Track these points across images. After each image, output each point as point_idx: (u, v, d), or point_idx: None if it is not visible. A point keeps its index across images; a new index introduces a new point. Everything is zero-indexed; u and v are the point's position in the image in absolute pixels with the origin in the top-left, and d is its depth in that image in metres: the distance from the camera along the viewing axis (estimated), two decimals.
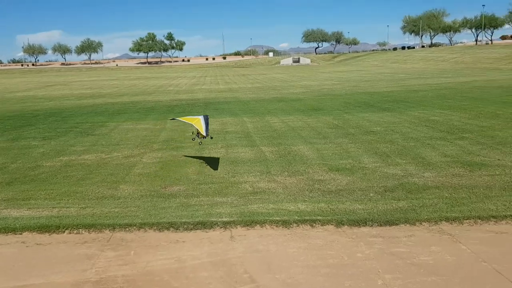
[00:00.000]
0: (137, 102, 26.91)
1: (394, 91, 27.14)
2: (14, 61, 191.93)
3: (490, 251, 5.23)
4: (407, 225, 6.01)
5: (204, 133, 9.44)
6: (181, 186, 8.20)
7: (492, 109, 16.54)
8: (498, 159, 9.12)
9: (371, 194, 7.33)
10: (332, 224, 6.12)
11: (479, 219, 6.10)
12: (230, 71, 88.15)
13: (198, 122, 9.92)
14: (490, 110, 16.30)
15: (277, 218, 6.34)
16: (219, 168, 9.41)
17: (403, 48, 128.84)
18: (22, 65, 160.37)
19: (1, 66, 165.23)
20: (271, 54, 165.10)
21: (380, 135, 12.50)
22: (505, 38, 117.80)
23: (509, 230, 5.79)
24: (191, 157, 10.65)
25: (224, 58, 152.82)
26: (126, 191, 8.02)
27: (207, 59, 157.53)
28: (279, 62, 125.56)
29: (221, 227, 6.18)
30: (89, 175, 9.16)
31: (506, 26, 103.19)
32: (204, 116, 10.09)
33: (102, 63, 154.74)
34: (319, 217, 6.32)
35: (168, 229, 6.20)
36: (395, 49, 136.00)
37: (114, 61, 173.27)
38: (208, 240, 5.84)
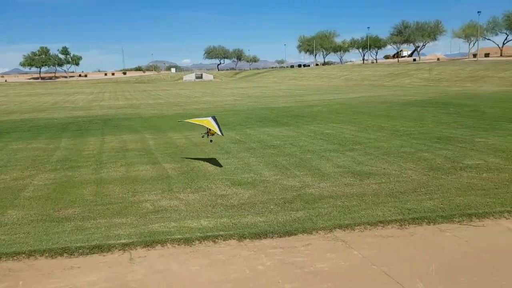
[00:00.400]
0: (28, 120, 24.97)
1: (292, 107, 28.40)
2: None
3: (379, 255, 5.67)
4: (305, 234, 6.30)
5: (219, 133, 10.74)
6: (76, 208, 7.74)
7: (378, 122, 18.04)
8: (384, 168, 9.96)
9: (272, 206, 7.56)
10: (234, 239, 6.20)
11: (369, 224, 6.59)
12: (131, 87, 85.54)
13: (208, 123, 11.09)
14: (376, 123, 17.76)
15: (179, 236, 6.26)
16: (118, 188, 9.06)
17: (300, 66, 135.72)
18: None
19: None
20: (173, 70, 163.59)
21: (280, 148, 12.97)
22: (388, 58, 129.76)
23: (394, 233, 6.33)
24: (87, 177, 10.12)
25: (125, 73, 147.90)
26: (15, 216, 7.37)
27: (106, 74, 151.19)
28: (182, 78, 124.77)
29: (119, 250, 5.94)
30: None
31: (388, 46, 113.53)
32: (212, 117, 11.17)
33: None
34: (221, 233, 6.36)
35: (61, 255, 5.81)
36: (292, 66, 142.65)
37: (2, 77, 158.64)
38: (105, 264, 5.57)
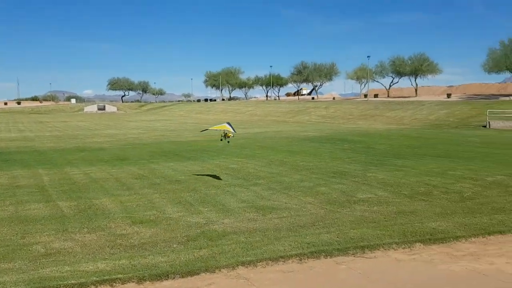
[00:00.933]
0: None
1: (198, 141, 28.42)
2: None
3: None
4: (208, 273, 6.25)
5: (233, 131, 13.40)
6: None
7: (281, 157, 18.75)
8: (285, 203, 10.32)
9: (174, 245, 7.42)
10: (133, 282, 5.95)
11: (270, 260, 6.73)
12: (25, 118, 79.46)
13: (225, 127, 13.61)
14: (279, 158, 18.45)
15: (72, 282, 5.85)
16: (5, 229, 8.28)
17: (206, 100, 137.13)
18: None
19: None
20: (73, 100, 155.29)
21: (185, 184, 12.86)
22: (289, 95, 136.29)
23: (294, 268, 6.54)
24: None
25: (19, 103, 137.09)
26: None
27: None
28: (83, 109, 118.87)
29: None
30: None
31: (289, 84, 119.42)
32: (228, 123, 13.86)
33: None
34: (119, 275, 6.07)
35: None
36: (199, 100, 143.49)
37: None
38: None
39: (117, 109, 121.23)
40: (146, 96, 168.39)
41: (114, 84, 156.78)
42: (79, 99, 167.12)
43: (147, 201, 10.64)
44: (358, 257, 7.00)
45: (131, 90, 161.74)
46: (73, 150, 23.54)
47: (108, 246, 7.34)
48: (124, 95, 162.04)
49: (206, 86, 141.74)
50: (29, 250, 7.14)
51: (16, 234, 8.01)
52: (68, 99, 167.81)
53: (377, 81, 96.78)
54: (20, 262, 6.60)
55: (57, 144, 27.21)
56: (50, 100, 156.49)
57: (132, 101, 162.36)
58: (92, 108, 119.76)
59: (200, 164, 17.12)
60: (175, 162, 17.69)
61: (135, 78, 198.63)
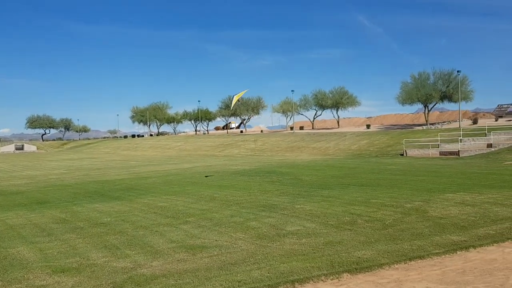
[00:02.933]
0: None
1: (125, 179, 27.54)
2: None
3: None
4: None
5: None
6: None
7: (210, 192, 18.67)
8: (216, 240, 10.25)
9: None
10: None
11: None
12: None
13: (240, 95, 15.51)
14: (208, 194, 18.35)
15: None
16: None
17: (133, 136, 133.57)
18: None
19: None
20: None
21: (111, 226, 12.35)
22: (218, 129, 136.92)
23: None
24: None
25: None
26: None
27: None
28: None
29: None
30: None
31: (218, 118, 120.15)
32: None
33: None
34: None
35: None
36: (125, 136, 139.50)
37: None
38: None
39: (37, 148, 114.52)
40: (69, 134, 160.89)
41: (34, 122, 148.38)
42: None
43: (69, 247, 10.06)
44: None
45: (52, 128, 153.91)
46: None
47: None
48: (45, 133, 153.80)
49: (133, 121, 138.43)
50: None
51: None
52: None
53: (302, 114, 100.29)
54: None
55: None
56: None
57: (53, 139, 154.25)
58: (9, 148, 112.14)
59: (127, 204, 16.56)
60: (100, 203, 16.96)
61: (57, 116, 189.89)
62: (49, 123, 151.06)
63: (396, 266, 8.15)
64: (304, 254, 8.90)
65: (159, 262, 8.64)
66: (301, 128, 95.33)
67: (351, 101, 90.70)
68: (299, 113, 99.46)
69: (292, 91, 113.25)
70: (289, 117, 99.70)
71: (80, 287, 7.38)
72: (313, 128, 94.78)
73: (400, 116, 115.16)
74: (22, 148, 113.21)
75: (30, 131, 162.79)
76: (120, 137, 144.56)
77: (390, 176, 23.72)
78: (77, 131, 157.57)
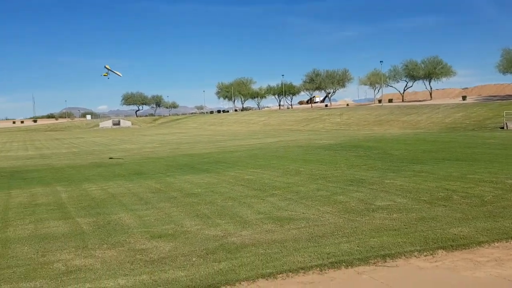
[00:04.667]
0: None
1: (213, 152, 28.53)
2: None
3: None
4: (228, 286, 6.21)
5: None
6: None
7: (296, 167, 18.68)
8: (303, 213, 10.25)
9: (194, 259, 7.41)
10: None
11: (291, 272, 6.67)
12: (42, 135, 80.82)
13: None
14: (294, 168, 18.37)
15: None
16: (26, 247, 8.37)
17: (219, 111, 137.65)
18: None
19: None
20: (88, 116, 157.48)
21: (201, 196, 12.88)
22: (302, 103, 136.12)
23: (315, 279, 6.47)
24: None
25: (35, 121, 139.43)
26: None
27: (14, 122, 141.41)
28: (98, 125, 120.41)
29: None
30: None
31: (302, 93, 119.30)
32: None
33: None
34: None
35: None
36: (211, 112, 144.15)
37: None
38: None
39: (132, 124, 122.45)
40: (160, 110, 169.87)
41: (128, 99, 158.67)
42: (94, 115, 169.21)
43: (164, 215, 10.67)
44: (379, 266, 6.89)
45: (145, 104, 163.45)
46: (90, 166, 23.81)
47: (128, 262, 7.36)
48: (138, 110, 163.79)
49: (219, 97, 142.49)
50: (50, 268, 7.20)
51: (37, 252, 8.09)
52: (84, 115, 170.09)
53: (391, 86, 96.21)
54: (41, 281, 6.65)
55: (74, 161, 27.56)
56: (65, 117, 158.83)
57: (146, 115, 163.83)
58: (107, 124, 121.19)
59: (215, 176, 17.14)
60: (191, 175, 17.75)
61: (149, 92, 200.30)
62: (142, 100, 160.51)
63: (496, 244, 7.58)
64: (395, 229, 8.59)
65: (248, 232, 8.85)
66: (390, 100, 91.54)
67: (445, 71, 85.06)
68: (388, 85, 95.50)
69: (380, 62, 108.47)
70: (377, 90, 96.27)
71: (176, 252, 7.80)
72: (403, 101, 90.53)
73: (501, 86, 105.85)
74: (118, 123, 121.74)
75: (125, 108, 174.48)
76: (206, 112, 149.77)
77: (488, 150, 21.99)
78: (166, 107, 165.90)
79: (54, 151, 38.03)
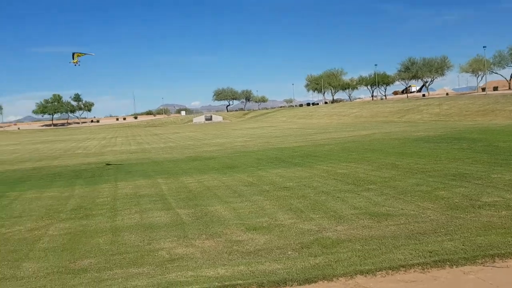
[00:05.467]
0: (41, 168, 25.23)
1: (303, 146, 28.43)
2: None
3: None
4: (325, 281, 6.14)
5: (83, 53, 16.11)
6: (92, 259, 7.67)
7: (392, 160, 17.91)
8: (401, 209, 9.79)
9: (289, 252, 7.43)
10: (253, 287, 6.06)
11: (390, 269, 6.41)
12: (142, 131, 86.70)
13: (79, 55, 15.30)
14: (389, 161, 17.64)
15: (196, 287, 6.14)
16: (133, 236, 9.01)
17: (308, 104, 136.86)
18: None
19: None
20: (183, 112, 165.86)
21: (293, 190, 12.88)
22: (396, 93, 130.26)
23: (417, 278, 6.15)
24: (102, 225, 10.09)
25: (136, 117, 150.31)
26: (30, 269, 7.31)
27: (117, 119, 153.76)
28: (192, 120, 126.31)
29: None
30: None
31: (397, 82, 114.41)
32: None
33: (1, 127, 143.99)
34: (239, 281, 6.23)
35: None
36: (301, 105, 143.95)
37: (15, 124, 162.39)
38: None
39: (223, 119, 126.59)
40: (249, 104, 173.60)
41: (219, 95, 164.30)
42: (188, 111, 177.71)
43: (258, 208, 10.84)
44: (487, 266, 6.37)
45: (235, 99, 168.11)
46: (186, 159, 24.98)
47: (226, 252, 7.59)
48: (229, 105, 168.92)
49: (308, 90, 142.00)
50: (155, 255, 7.66)
51: (143, 240, 8.66)
52: (178, 111, 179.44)
53: (496, 73, 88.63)
54: (148, 267, 7.10)
55: (172, 155, 29.11)
56: (162, 114, 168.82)
57: (236, 110, 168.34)
58: (200, 119, 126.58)
59: (307, 170, 17.05)
60: (282, 169, 17.84)
61: (238, 88, 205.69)
62: (232, 95, 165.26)
63: None
64: (505, 228, 7.88)
65: (344, 227, 8.66)
66: (495, 88, 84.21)
67: None
68: (492, 72, 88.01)
69: (483, 47, 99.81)
70: (480, 77, 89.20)
71: (271, 244, 7.89)
72: (510, 88, 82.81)
73: None
74: (210, 118, 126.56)
75: (217, 103, 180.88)
76: (296, 105, 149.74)
77: None
78: (256, 102, 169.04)
79: (153, 146, 40.51)
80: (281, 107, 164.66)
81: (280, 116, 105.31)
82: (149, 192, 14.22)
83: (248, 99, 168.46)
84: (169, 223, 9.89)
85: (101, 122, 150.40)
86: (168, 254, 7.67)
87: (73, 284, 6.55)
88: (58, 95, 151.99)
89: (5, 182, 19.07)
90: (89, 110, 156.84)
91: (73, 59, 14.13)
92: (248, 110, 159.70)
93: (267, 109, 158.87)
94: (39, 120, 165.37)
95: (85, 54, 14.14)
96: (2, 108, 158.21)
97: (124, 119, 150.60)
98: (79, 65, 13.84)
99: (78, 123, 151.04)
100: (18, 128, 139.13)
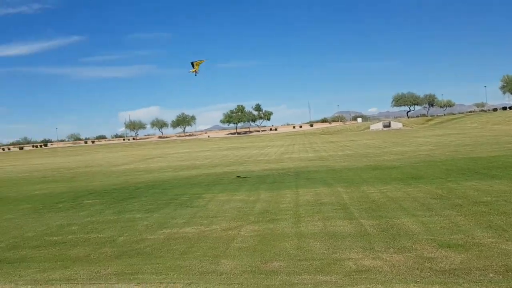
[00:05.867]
0: (230, 172, 27.73)
1: (501, 156, 25.14)
2: (116, 136, 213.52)
3: None
4: None
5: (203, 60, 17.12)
6: (281, 262, 8.04)
7: None
8: None
9: (491, 275, 6.60)
10: None
11: None
12: (318, 138, 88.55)
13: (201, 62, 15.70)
14: None
15: None
16: (318, 243, 9.15)
17: (504, 108, 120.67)
18: (124, 139, 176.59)
19: (105, 141, 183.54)
20: (359, 119, 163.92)
21: (492, 206, 11.44)
22: None
23: None
24: (287, 230, 10.52)
25: (311, 125, 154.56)
26: (228, 266, 8.04)
27: (294, 127, 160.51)
28: (369, 127, 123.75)
29: None
30: (190, 249, 9.39)
31: None
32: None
33: (195, 135, 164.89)
34: None
35: None
36: (495, 109, 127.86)
37: (206, 133, 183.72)
38: None
39: (403, 125, 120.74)
40: (433, 110, 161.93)
41: (399, 100, 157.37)
42: (364, 118, 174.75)
43: (451, 224, 9.92)
44: None
45: (416, 104, 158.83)
46: (366, 168, 24.46)
47: (417, 269, 7.12)
48: (409, 110, 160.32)
49: (504, 92, 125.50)
50: (342, 265, 7.62)
51: (328, 248, 8.72)
52: (354, 118, 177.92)
53: None
54: (336, 276, 7.10)
55: (350, 163, 28.87)
56: (337, 121, 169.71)
57: (417, 116, 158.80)
58: (377, 126, 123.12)
59: (508, 183, 14.97)
60: (476, 181, 16.04)
61: (420, 92, 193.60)
62: (413, 100, 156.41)
63: None
64: None
65: None
66: None
67: None
68: None
69: None
70: None
71: (469, 264, 7.11)
72: None
73: None
74: (389, 125, 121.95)
75: (395, 109, 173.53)
76: (488, 110, 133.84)
77: None
78: (441, 107, 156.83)
79: (330, 153, 40.85)
80: (470, 111, 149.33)
81: (469, 122, 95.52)
82: (330, 200, 14.31)
83: (431, 104, 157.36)
84: (353, 233, 9.76)
85: (279, 130, 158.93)
86: (355, 265, 7.55)
87: (266, 284, 6.95)
88: (242, 106, 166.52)
89: (201, 185, 21.49)
90: (268, 119, 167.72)
91: (192, 67, 15.15)
92: (431, 116, 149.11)
93: (453, 114, 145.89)
94: (224, 128, 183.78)
95: (203, 60, 15.29)
96: (195, 118, 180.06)
97: (300, 127, 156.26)
98: (197, 74, 14.91)
99: (258, 131, 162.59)
100: (208, 136, 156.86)
